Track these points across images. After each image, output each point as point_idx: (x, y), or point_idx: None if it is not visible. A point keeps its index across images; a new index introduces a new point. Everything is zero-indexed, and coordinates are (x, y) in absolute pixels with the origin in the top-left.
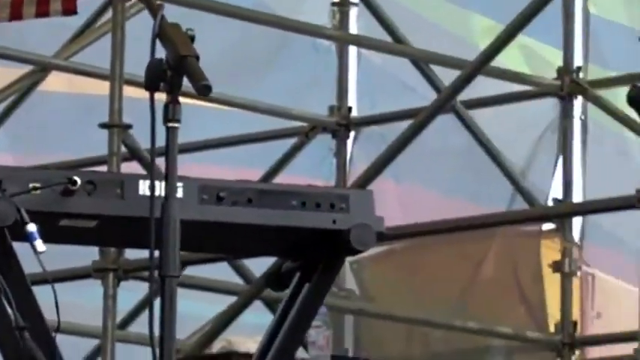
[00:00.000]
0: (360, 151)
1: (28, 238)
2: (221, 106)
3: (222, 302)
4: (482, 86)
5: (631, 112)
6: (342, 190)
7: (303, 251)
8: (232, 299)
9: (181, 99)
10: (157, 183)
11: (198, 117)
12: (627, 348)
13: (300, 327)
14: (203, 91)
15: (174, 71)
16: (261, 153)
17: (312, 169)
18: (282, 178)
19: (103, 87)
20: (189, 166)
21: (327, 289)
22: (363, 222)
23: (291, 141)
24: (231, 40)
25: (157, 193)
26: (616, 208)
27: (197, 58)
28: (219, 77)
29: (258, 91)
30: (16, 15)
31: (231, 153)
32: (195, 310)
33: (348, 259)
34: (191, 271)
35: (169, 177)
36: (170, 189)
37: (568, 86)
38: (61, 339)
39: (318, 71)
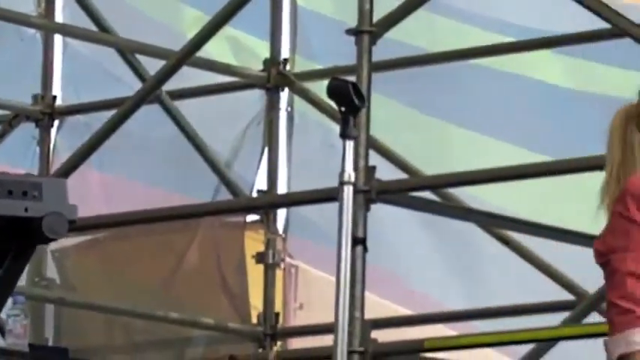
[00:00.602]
0: (64, 140)
1: None
2: None
3: None
4: (189, 77)
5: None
6: (36, 177)
7: None
8: None
9: None
10: None
11: None
12: (328, 339)
13: None
14: None
15: None
16: None
17: (15, 158)
18: None
19: None
20: None
21: (18, 277)
22: (55, 210)
23: None
24: None
25: None
26: (319, 199)
27: None
28: None
29: None
30: None
31: None
32: None
33: (50, 247)
34: None
35: None
36: None
37: (274, 78)
38: None
39: (23, 60)
